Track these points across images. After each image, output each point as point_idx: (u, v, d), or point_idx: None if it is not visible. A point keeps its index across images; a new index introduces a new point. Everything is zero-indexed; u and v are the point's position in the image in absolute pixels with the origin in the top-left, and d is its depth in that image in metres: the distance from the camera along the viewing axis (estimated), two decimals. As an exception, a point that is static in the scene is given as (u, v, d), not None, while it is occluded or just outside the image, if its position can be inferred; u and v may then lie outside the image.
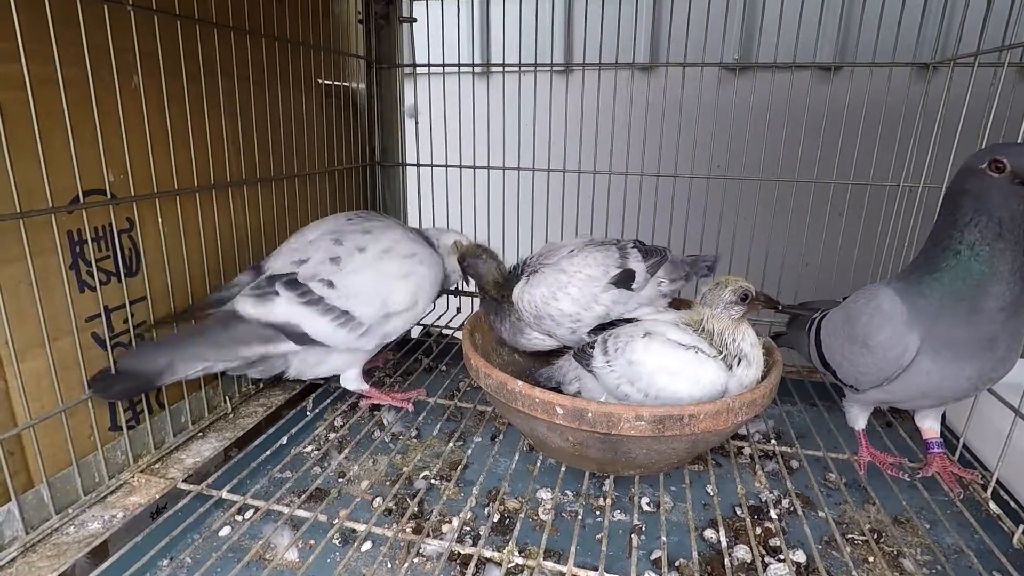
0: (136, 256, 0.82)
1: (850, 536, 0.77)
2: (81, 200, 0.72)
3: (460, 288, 1.38)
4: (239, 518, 0.78)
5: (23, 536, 0.69)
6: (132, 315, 0.82)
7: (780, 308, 0.83)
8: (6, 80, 0.61)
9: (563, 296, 0.91)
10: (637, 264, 0.93)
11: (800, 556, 0.73)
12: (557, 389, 0.87)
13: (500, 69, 1.28)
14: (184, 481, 0.80)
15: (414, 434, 0.98)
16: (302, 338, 0.87)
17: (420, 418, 1.01)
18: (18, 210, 0.63)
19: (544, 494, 0.83)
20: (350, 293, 0.89)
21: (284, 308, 0.85)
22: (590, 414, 0.71)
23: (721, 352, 0.78)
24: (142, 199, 0.80)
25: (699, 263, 1.00)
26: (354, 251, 0.92)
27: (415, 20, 1.32)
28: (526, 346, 1.00)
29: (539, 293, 0.93)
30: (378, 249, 0.93)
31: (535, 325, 0.96)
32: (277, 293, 0.86)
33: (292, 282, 0.87)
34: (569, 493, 0.84)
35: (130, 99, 0.77)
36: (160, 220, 0.84)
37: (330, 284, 0.88)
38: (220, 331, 0.83)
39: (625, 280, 0.92)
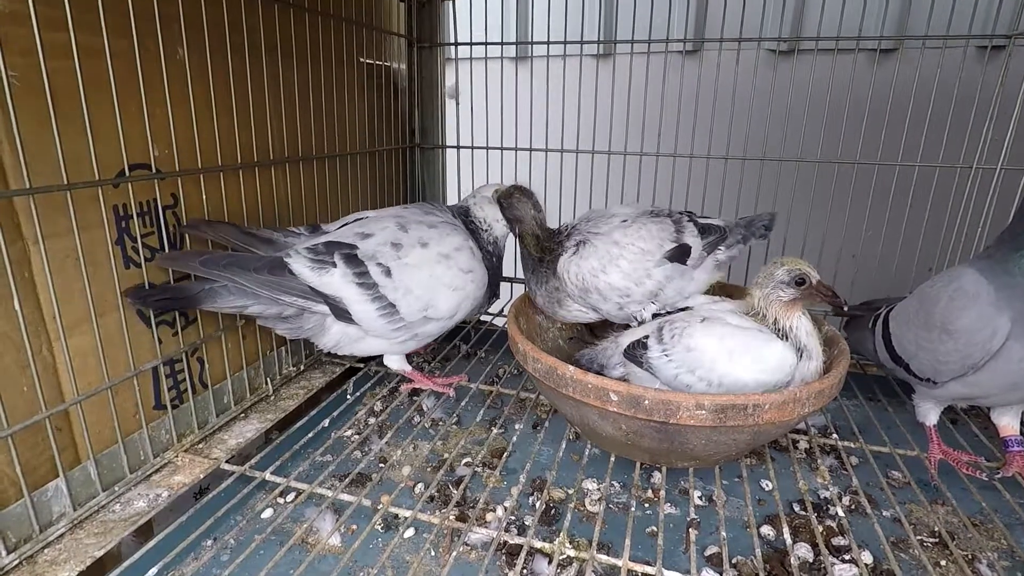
0: (180, 233, 0.81)
1: (919, 538, 0.72)
2: (127, 174, 0.71)
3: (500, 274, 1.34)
4: (281, 500, 0.77)
5: (71, 512, 0.68)
6: (176, 293, 0.81)
7: (846, 310, 0.76)
8: (54, 49, 0.60)
9: (613, 269, 0.87)
10: (693, 239, 0.89)
11: (867, 557, 0.69)
12: (600, 373, 0.83)
13: (544, 49, 1.24)
14: (227, 462, 0.80)
15: (455, 420, 0.96)
16: (341, 313, 0.86)
17: (461, 404, 0.99)
18: (65, 182, 0.62)
19: (590, 484, 0.81)
20: (402, 287, 0.87)
21: (337, 281, 0.84)
22: (646, 402, 0.67)
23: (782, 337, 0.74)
24: (186, 174, 0.79)
25: (755, 224, 0.92)
26: (416, 243, 0.90)
27: (457, -4, 1.29)
28: (564, 317, 0.97)
29: (588, 266, 0.88)
30: (439, 251, 0.91)
31: (579, 298, 0.91)
32: (335, 264, 0.84)
33: (351, 257, 0.86)
34: (616, 484, 0.81)
35: (175, 73, 0.75)
36: (204, 197, 0.82)
37: (387, 272, 0.87)
38: (266, 272, 0.82)
39: (680, 255, 0.87)
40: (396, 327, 0.90)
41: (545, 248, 0.94)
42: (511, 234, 1.02)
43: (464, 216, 1.01)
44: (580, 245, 0.91)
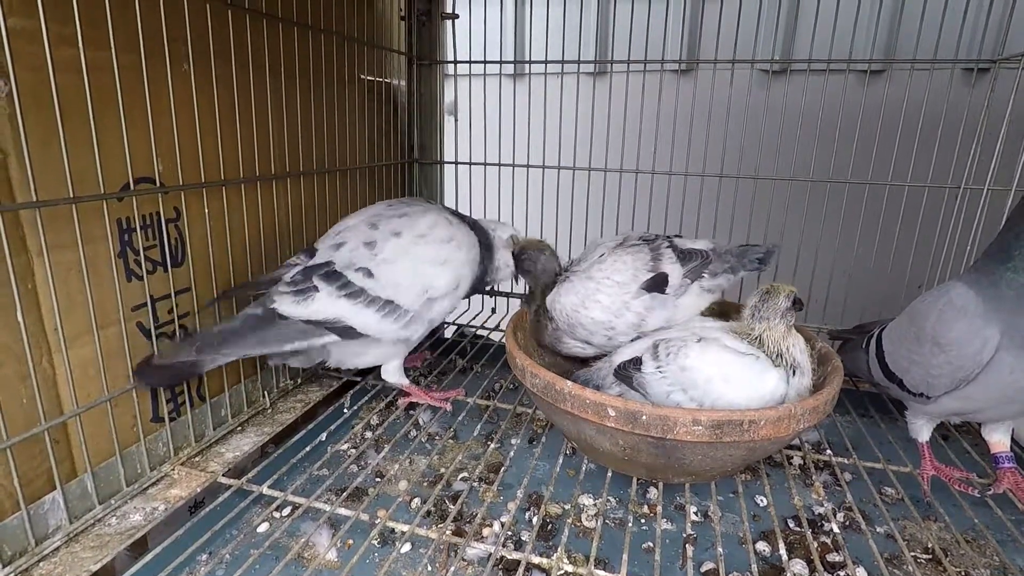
0: (182, 246, 0.81)
1: (913, 554, 0.72)
2: (132, 188, 0.72)
3: (496, 288, 1.36)
4: (277, 515, 0.77)
5: (67, 526, 0.68)
6: (177, 305, 0.81)
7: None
8: (63, 64, 0.61)
9: (592, 304, 0.88)
10: (671, 266, 0.88)
11: (862, 573, 0.69)
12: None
13: (542, 67, 1.26)
14: (224, 475, 0.79)
15: (451, 435, 0.96)
16: (347, 331, 0.85)
17: (457, 419, 0.99)
18: (71, 195, 0.63)
19: (587, 500, 0.80)
20: (390, 282, 0.86)
21: (325, 303, 0.83)
22: (644, 417, 0.68)
23: (777, 363, 0.75)
24: (190, 188, 0.80)
25: (748, 255, 0.90)
26: (389, 235, 0.89)
27: (457, 16, 1.31)
28: (567, 352, 0.98)
29: (569, 302, 0.90)
30: (413, 234, 0.90)
31: (569, 333, 0.93)
32: (316, 288, 0.83)
33: (330, 273, 0.85)
34: (613, 500, 0.82)
35: (180, 88, 0.76)
36: (206, 211, 0.83)
37: (368, 273, 0.86)
38: (260, 329, 0.81)
39: (657, 285, 0.87)
40: (404, 322, 0.88)
41: (546, 295, 0.95)
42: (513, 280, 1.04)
43: (484, 236, 1.01)
44: (561, 282, 0.92)
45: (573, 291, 0.90)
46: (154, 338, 0.78)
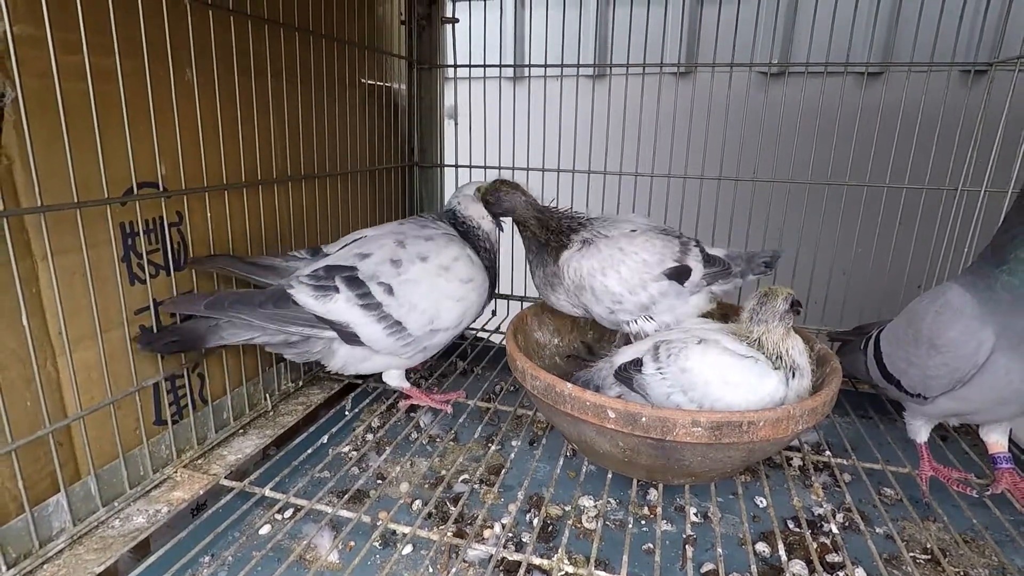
0: (184, 250, 0.82)
1: (912, 554, 0.73)
2: (135, 192, 0.72)
3: (497, 290, 1.36)
4: (279, 517, 0.77)
5: (71, 528, 0.69)
6: (179, 309, 0.82)
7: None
8: (68, 70, 0.62)
9: (612, 273, 0.88)
10: (695, 263, 0.90)
11: (861, 574, 0.69)
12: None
13: (541, 71, 1.27)
14: (226, 478, 0.80)
15: (452, 437, 0.96)
16: (350, 337, 0.87)
17: (458, 421, 1.00)
18: (75, 200, 0.64)
19: (587, 501, 0.81)
20: (406, 304, 0.89)
21: (342, 307, 0.85)
22: (644, 418, 0.68)
23: (776, 366, 0.75)
24: (192, 193, 0.81)
25: (756, 259, 0.93)
26: (415, 258, 0.91)
27: (457, 21, 1.32)
28: (552, 303, 0.98)
29: (588, 265, 0.89)
30: (438, 263, 0.93)
31: (573, 294, 0.92)
32: (337, 289, 0.85)
33: (352, 279, 0.87)
34: (613, 501, 0.82)
35: (183, 94, 0.77)
36: (208, 214, 0.84)
37: (389, 290, 0.88)
38: (270, 306, 0.83)
39: (678, 275, 0.89)
40: (405, 343, 0.91)
41: (551, 229, 0.94)
42: (499, 230, 1.04)
43: (453, 218, 1.03)
44: (585, 244, 0.91)
45: (597, 257, 0.89)
46: (156, 341, 0.79)
